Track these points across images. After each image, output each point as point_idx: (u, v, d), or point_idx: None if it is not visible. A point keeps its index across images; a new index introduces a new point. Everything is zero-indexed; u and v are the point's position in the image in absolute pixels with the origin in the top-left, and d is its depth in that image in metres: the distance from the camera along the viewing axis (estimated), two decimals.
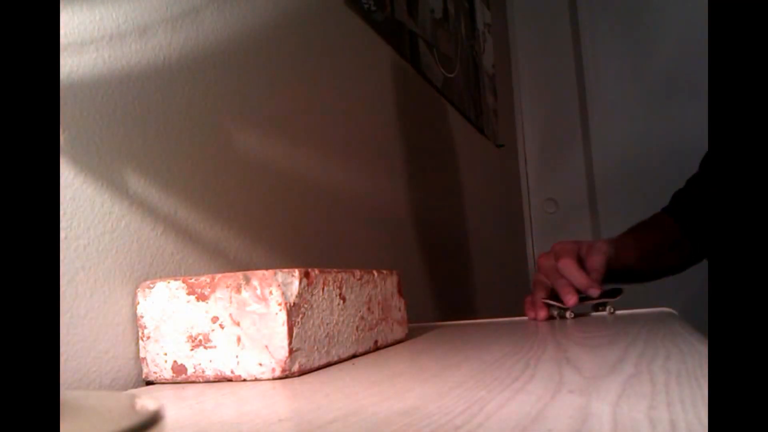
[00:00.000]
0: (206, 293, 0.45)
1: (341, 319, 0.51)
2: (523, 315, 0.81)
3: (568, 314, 0.76)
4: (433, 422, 0.27)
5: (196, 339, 0.45)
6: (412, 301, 1.02)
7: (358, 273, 0.55)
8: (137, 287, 0.48)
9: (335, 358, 0.49)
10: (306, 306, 0.46)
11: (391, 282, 0.62)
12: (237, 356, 0.44)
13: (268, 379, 0.44)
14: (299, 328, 0.45)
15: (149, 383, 0.47)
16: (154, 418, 0.14)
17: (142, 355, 0.47)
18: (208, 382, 0.45)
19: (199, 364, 0.45)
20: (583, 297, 0.77)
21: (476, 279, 1.59)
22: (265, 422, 0.30)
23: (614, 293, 0.79)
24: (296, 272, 0.45)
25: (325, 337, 0.48)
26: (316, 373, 0.45)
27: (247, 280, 0.44)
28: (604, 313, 0.78)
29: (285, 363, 0.43)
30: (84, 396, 0.20)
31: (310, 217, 0.79)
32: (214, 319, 0.45)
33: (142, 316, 0.47)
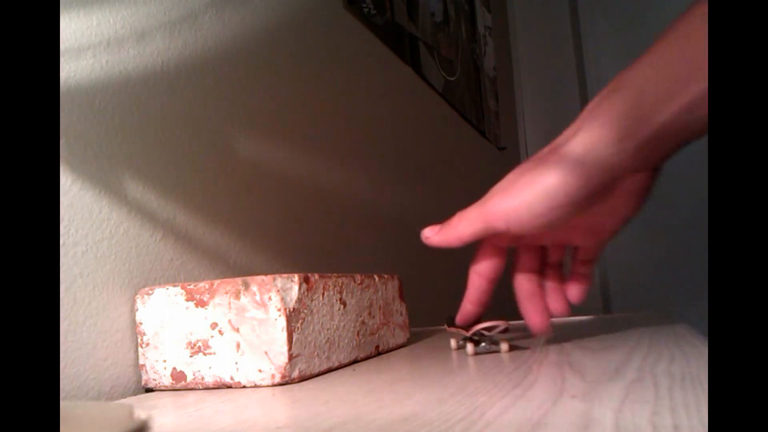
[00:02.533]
0: (205, 299, 0.45)
1: (342, 324, 0.50)
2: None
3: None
4: (433, 429, 0.26)
5: (195, 345, 0.45)
6: (413, 306, 1.01)
7: (358, 277, 0.55)
8: (136, 294, 0.48)
9: (336, 364, 0.49)
10: (306, 311, 0.45)
11: (392, 286, 0.62)
12: (236, 363, 0.44)
13: (268, 386, 0.43)
14: (299, 333, 0.44)
15: (149, 390, 0.47)
16: (140, 430, 0.14)
17: (141, 362, 0.47)
18: (207, 388, 0.45)
19: (199, 371, 0.45)
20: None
21: None
22: (264, 430, 0.29)
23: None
24: (296, 277, 0.45)
25: (326, 342, 0.48)
26: (316, 379, 0.45)
27: (246, 286, 0.44)
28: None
29: (285, 369, 0.43)
30: (71, 407, 0.20)
31: (310, 222, 0.79)
32: (213, 326, 0.45)
33: (141, 323, 0.47)
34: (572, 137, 0.40)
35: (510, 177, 0.43)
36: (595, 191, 0.40)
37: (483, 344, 0.49)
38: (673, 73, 0.37)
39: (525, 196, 0.41)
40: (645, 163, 0.40)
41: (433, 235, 0.48)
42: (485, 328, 0.49)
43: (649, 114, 0.37)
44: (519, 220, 0.41)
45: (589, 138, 0.39)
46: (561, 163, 0.40)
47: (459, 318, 0.52)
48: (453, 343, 0.55)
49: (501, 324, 0.48)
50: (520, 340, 0.56)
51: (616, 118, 0.38)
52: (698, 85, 0.36)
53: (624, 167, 0.39)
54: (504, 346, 0.50)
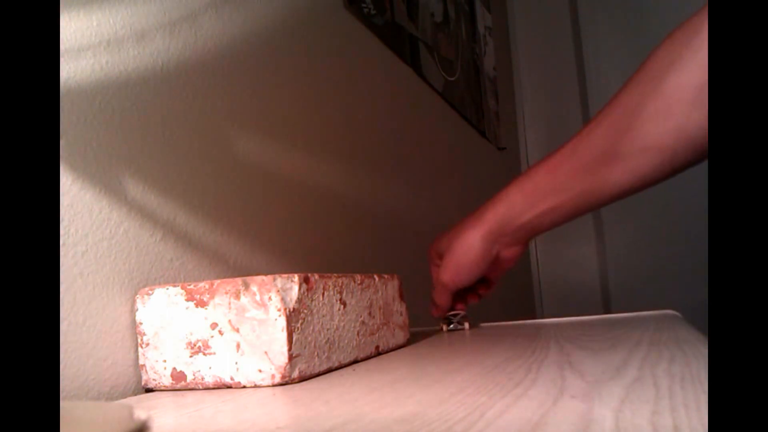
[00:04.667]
0: (205, 299, 0.45)
1: (342, 324, 0.50)
2: (526, 318, 0.82)
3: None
4: (433, 430, 0.26)
5: (195, 345, 0.45)
6: (413, 306, 1.01)
7: (358, 277, 0.55)
8: (136, 294, 0.48)
9: (336, 364, 0.49)
10: (306, 311, 0.45)
11: (392, 286, 0.62)
12: (236, 363, 0.44)
13: (268, 386, 0.43)
14: (299, 333, 0.44)
15: (149, 390, 0.47)
16: (140, 430, 0.14)
17: (141, 362, 0.47)
18: (207, 389, 0.45)
19: (199, 371, 0.45)
20: None
21: None
22: (263, 430, 0.29)
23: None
24: (296, 277, 0.45)
25: (326, 342, 0.48)
26: (316, 379, 0.45)
27: (246, 286, 0.44)
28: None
29: (285, 369, 0.43)
30: (71, 407, 0.20)
31: (310, 222, 0.79)
32: (213, 326, 0.45)
33: (141, 323, 0.47)
34: (477, 223, 0.70)
35: (451, 235, 0.73)
36: (489, 256, 0.71)
37: (452, 325, 0.78)
38: (531, 196, 0.67)
39: (459, 273, 0.72)
40: (516, 241, 0.71)
41: (434, 311, 0.77)
42: (452, 314, 0.78)
43: (516, 216, 0.68)
44: (458, 283, 0.73)
45: (484, 228, 0.70)
46: (473, 246, 0.70)
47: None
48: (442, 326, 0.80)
49: (461, 312, 0.78)
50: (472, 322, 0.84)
51: (498, 217, 0.69)
52: (545, 204, 0.66)
53: (503, 242, 0.71)
54: (466, 325, 0.78)
